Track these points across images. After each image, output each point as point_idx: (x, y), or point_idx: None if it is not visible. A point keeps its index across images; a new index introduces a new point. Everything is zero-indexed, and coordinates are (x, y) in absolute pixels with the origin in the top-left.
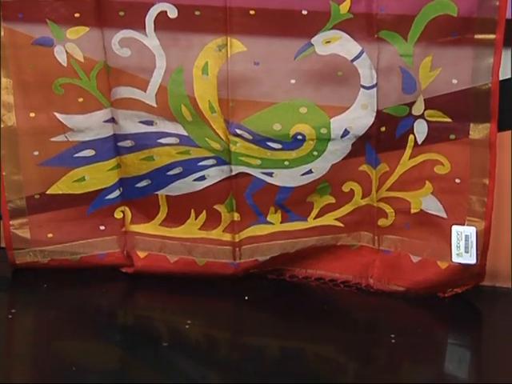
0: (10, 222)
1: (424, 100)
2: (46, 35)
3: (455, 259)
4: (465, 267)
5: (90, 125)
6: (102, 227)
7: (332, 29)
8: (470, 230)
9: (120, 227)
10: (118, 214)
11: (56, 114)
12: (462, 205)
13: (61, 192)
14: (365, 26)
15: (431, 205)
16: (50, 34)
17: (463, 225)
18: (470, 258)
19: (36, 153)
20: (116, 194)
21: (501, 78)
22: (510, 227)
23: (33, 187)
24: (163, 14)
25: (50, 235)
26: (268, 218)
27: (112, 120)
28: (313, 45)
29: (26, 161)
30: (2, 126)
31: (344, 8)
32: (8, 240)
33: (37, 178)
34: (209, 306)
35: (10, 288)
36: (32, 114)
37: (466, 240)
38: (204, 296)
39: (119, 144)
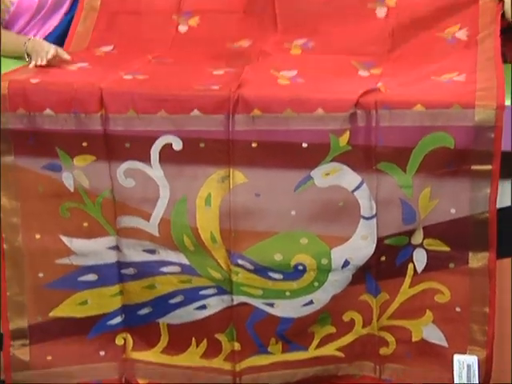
0: (11, 343)
1: (423, 229)
2: (54, 161)
3: None
4: None
5: (94, 250)
6: (102, 353)
7: (332, 161)
8: (472, 359)
9: (121, 354)
10: (119, 341)
11: (61, 236)
12: (463, 333)
13: (63, 315)
14: (364, 158)
15: (432, 334)
16: (58, 161)
17: (465, 354)
18: None
19: (41, 274)
20: (118, 320)
21: (500, 206)
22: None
23: (36, 309)
24: (168, 146)
25: (49, 357)
26: (269, 349)
27: (116, 248)
28: (312, 178)
29: (30, 282)
30: (7, 246)
31: (343, 140)
32: (7, 361)
33: (40, 300)
34: None
35: None
36: (38, 236)
37: (468, 369)
38: None
39: (122, 271)
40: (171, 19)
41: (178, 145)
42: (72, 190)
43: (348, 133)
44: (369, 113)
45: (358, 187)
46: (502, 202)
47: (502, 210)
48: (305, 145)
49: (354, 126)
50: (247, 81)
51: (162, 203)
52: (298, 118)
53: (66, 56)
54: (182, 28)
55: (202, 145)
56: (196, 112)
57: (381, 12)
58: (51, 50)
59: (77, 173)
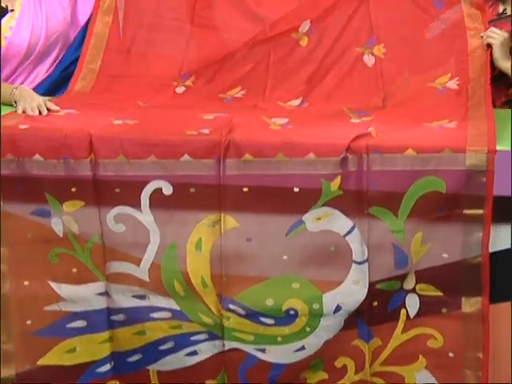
0: None
1: (415, 274)
2: (43, 207)
3: None
4: None
5: (83, 296)
6: None
7: (323, 206)
8: None
9: None
10: None
11: (50, 282)
12: (457, 379)
13: (52, 363)
14: (355, 203)
15: (425, 379)
16: (47, 207)
17: None
18: None
19: (29, 322)
20: (107, 367)
21: (493, 250)
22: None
23: (24, 357)
24: (158, 191)
25: None
26: None
27: (105, 293)
28: (304, 222)
29: (18, 330)
30: None
31: (335, 185)
32: None
33: (28, 348)
34: None
35: None
36: (26, 282)
37: None
38: None
39: (112, 317)
40: (171, 84)
41: (168, 190)
42: (61, 235)
43: (339, 177)
44: (360, 157)
45: (349, 232)
46: (497, 246)
47: (495, 254)
48: (296, 189)
49: (346, 171)
50: (238, 125)
51: (152, 248)
52: (290, 162)
53: (55, 107)
54: (180, 89)
55: (192, 190)
56: (186, 157)
57: (369, 61)
58: (40, 102)
59: (66, 218)
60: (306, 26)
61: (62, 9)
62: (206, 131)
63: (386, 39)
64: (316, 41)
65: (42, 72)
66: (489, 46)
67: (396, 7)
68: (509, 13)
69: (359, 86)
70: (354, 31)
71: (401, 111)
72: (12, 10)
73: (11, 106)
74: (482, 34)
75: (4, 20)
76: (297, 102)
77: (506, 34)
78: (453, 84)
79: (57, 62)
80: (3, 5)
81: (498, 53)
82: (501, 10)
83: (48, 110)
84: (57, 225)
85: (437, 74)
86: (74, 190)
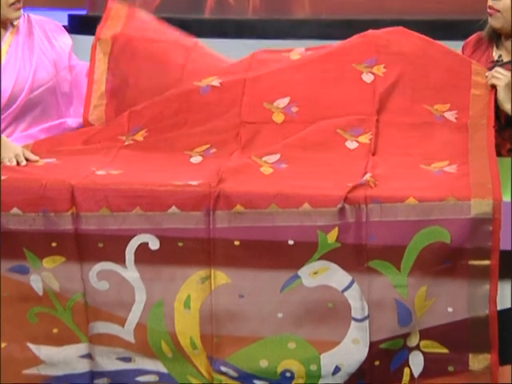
0: None
1: (419, 330)
2: (22, 263)
3: None
4: None
5: (65, 358)
6: None
7: (320, 259)
8: None
9: None
10: None
11: (29, 344)
12: None
13: None
14: (354, 256)
15: None
16: (26, 263)
17: None
18: None
19: None
20: None
21: (501, 308)
22: None
23: None
24: (144, 245)
25: None
26: None
27: (88, 356)
28: (300, 277)
29: None
30: None
31: (332, 237)
32: None
33: None
34: None
35: None
36: (3, 344)
37: None
38: None
39: (95, 382)
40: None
41: (154, 244)
42: (41, 293)
43: (337, 229)
44: (358, 208)
45: (348, 287)
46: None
47: (503, 312)
48: (291, 242)
49: (343, 222)
50: (228, 173)
51: (137, 307)
52: (284, 213)
53: (34, 157)
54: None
55: (180, 244)
56: (174, 209)
57: (368, 78)
58: (18, 151)
59: (46, 275)
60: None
61: (53, 64)
62: (195, 183)
63: (387, 61)
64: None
65: (21, 127)
66: (493, 86)
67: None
68: (504, 58)
69: (353, 95)
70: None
71: (397, 132)
72: None
73: None
74: (486, 74)
75: None
76: (283, 102)
77: (510, 75)
78: (451, 116)
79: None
80: None
81: (502, 94)
82: (496, 56)
83: (26, 160)
84: (36, 282)
85: (435, 101)
86: (54, 244)
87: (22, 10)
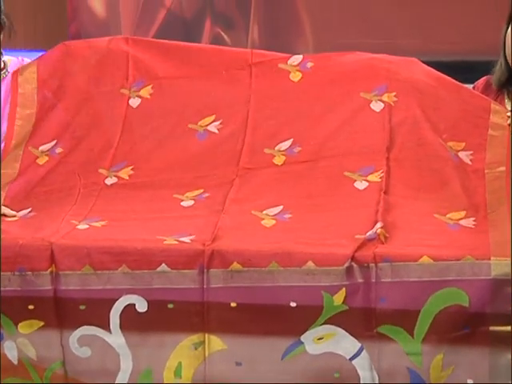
0: None
1: None
2: None
3: None
4: None
5: None
6: None
7: (325, 323)
8: None
9: None
10: None
11: None
12: None
13: None
14: (363, 320)
15: None
16: None
17: None
18: None
19: None
20: None
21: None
22: None
23: None
24: (131, 307)
25: None
26: None
27: None
28: (303, 343)
29: None
30: None
31: (338, 299)
32: None
33: None
34: None
35: None
36: None
37: None
38: None
39: None
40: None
41: (142, 306)
42: (16, 362)
43: (344, 290)
44: (367, 267)
45: (356, 355)
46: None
47: None
48: (293, 304)
49: (351, 283)
50: (224, 229)
51: (122, 376)
52: (285, 272)
53: (9, 212)
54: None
55: (170, 306)
56: (164, 267)
57: (377, 106)
58: None
59: (21, 341)
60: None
61: None
62: (187, 239)
63: (398, 89)
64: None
65: None
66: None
67: None
68: None
69: (361, 128)
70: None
71: (408, 173)
72: None
73: None
74: (508, 114)
75: None
76: (285, 145)
77: None
78: (465, 156)
79: None
80: None
81: None
82: (509, 107)
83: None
84: (10, 350)
85: (450, 138)
86: (31, 307)
87: None
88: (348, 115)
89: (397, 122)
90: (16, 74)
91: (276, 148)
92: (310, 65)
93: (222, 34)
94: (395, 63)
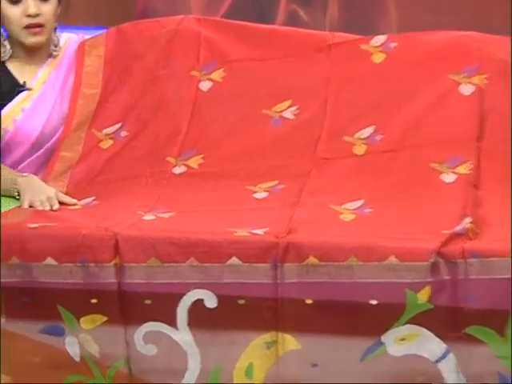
0: None
1: None
2: (55, 324)
3: None
4: None
5: None
6: None
7: (408, 323)
8: None
9: None
10: None
11: None
12: None
13: None
14: (449, 320)
15: None
16: (60, 323)
17: None
18: None
19: None
20: None
21: None
22: None
23: None
24: (199, 303)
25: None
26: None
27: None
28: (384, 344)
29: None
30: None
31: (422, 297)
32: None
33: None
34: None
35: None
36: None
37: None
38: None
39: None
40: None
41: (211, 302)
42: (77, 359)
43: (429, 288)
44: (454, 263)
45: (442, 357)
46: None
47: None
48: (373, 302)
49: (437, 279)
50: (300, 222)
51: (190, 376)
52: (365, 267)
53: (70, 200)
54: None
55: (241, 302)
56: (234, 260)
57: (466, 89)
58: (50, 193)
59: (84, 337)
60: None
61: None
62: (260, 231)
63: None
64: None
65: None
66: None
67: None
68: None
69: (448, 117)
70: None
71: (501, 165)
72: (30, 89)
73: (14, 198)
74: None
75: (18, 99)
76: (366, 132)
77: None
78: None
79: None
80: (20, 80)
81: None
82: None
83: (61, 203)
84: (72, 346)
85: None
86: (94, 301)
87: (44, 36)
88: (434, 99)
89: (488, 107)
90: (82, 50)
91: (356, 136)
92: (393, 45)
93: (299, 10)
94: (488, 42)
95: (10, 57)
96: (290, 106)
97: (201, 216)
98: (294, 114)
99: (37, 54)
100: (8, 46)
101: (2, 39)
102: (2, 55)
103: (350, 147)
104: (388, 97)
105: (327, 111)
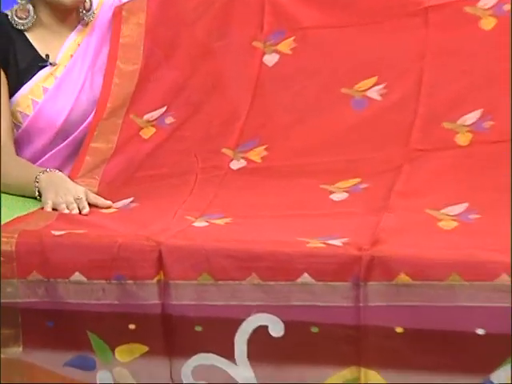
0: None
1: None
2: (85, 355)
3: None
4: None
5: None
6: None
7: None
8: None
9: None
10: None
11: None
12: None
13: None
14: None
15: None
16: (91, 354)
17: None
18: None
19: None
20: None
21: None
22: None
23: None
24: (262, 330)
25: None
26: None
27: None
28: None
29: None
30: None
31: None
32: None
33: None
34: None
35: None
36: None
37: None
38: None
39: None
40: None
41: (277, 329)
42: None
43: None
44: None
45: None
46: None
47: None
48: (480, 331)
49: None
50: (388, 231)
51: None
52: (471, 288)
53: (103, 202)
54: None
55: (314, 329)
56: (306, 278)
57: None
58: (79, 193)
59: (119, 371)
60: None
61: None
62: (337, 242)
63: None
64: None
65: None
66: None
67: None
68: None
69: None
70: None
71: None
72: (54, 64)
73: (34, 198)
74: None
75: (39, 76)
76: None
77: None
78: None
79: None
80: (42, 53)
81: None
82: None
83: (92, 205)
84: (105, 381)
85: None
86: (132, 327)
87: None
88: None
89: None
90: (118, 17)
91: (459, 122)
92: (506, 7)
93: None
94: None
95: (32, 25)
96: (375, 84)
97: (264, 222)
98: (381, 94)
99: (67, 19)
100: (32, 12)
101: (24, 1)
102: (23, 21)
103: (452, 136)
104: (499, 73)
105: (422, 91)
